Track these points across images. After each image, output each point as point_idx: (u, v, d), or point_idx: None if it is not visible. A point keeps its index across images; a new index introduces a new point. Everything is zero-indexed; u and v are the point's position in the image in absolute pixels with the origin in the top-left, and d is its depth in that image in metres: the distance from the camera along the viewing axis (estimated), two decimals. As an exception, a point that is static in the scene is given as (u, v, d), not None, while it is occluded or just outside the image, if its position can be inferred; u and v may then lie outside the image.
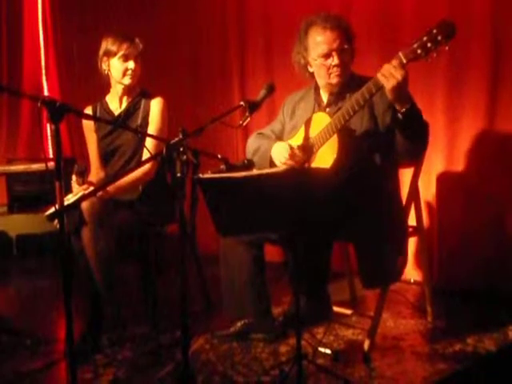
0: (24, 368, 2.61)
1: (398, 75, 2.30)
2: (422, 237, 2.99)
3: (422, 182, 3.06)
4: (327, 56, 2.62)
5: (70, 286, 2.04)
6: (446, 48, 2.27)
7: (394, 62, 2.32)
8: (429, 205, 3.50)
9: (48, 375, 2.59)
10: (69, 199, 2.75)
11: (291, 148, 2.67)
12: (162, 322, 2.96)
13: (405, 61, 2.32)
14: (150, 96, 3.09)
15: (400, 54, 2.34)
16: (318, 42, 2.63)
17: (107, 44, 2.99)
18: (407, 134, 2.45)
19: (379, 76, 2.35)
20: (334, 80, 2.66)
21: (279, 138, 2.89)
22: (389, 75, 2.31)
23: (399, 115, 2.39)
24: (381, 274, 2.58)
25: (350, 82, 2.66)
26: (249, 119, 2.55)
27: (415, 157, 2.71)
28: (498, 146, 3.28)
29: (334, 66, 2.62)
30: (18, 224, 4.59)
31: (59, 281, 2.04)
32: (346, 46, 2.62)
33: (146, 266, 3.17)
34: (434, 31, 2.27)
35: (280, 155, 2.70)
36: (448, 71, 3.36)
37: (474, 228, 3.33)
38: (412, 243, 3.27)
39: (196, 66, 4.38)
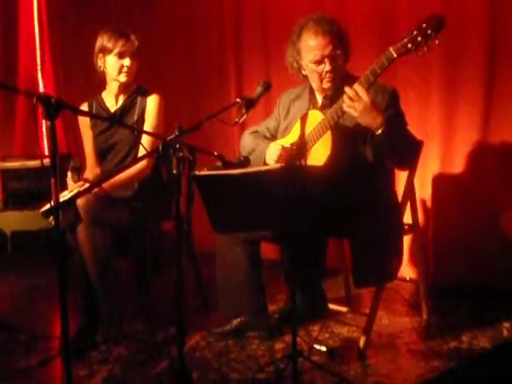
0: (19, 364, 2.61)
1: (358, 105, 2.37)
2: (417, 235, 3.00)
3: (417, 181, 3.07)
4: (319, 62, 2.61)
5: (65, 283, 2.04)
6: (436, 42, 2.29)
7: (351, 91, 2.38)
8: (424, 203, 3.50)
9: (43, 372, 2.59)
10: (64, 196, 2.74)
11: (284, 147, 2.68)
12: (158, 319, 2.96)
13: (395, 55, 2.33)
14: (146, 93, 3.08)
15: (391, 48, 2.35)
16: (310, 48, 2.61)
17: (103, 41, 2.97)
18: (390, 151, 2.49)
19: (343, 106, 2.42)
20: (327, 85, 2.66)
21: (274, 135, 2.89)
22: (351, 106, 2.39)
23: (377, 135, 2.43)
24: (372, 273, 2.58)
25: (344, 83, 2.64)
26: (245, 116, 2.55)
27: (401, 167, 2.74)
28: (494, 146, 3.29)
29: (327, 72, 2.61)
30: (13, 221, 4.56)
31: (54, 278, 2.04)
32: (338, 52, 2.61)
33: (141, 262, 3.16)
34: (424, 25, 2.28)
35: (273, 156, 2.70)
36: (443, 70, 3.36)
37: (468, 226, 3.34)
38: (407, 241, 3.28)
39: (192, 62, 4.37)
